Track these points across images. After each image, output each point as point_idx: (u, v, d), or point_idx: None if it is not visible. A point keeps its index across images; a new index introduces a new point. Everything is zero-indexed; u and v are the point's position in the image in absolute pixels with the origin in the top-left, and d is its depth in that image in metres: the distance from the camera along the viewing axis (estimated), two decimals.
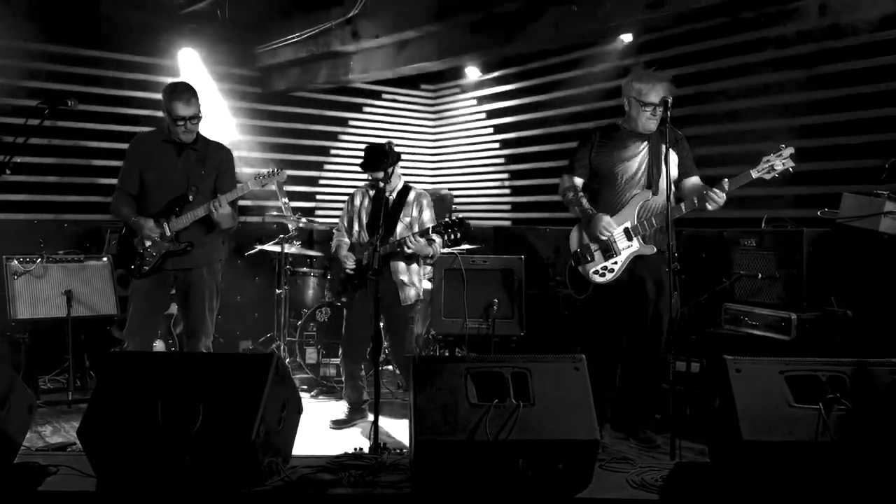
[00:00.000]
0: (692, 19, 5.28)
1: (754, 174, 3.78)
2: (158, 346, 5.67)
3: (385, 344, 5.37)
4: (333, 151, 8.14)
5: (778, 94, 5.27)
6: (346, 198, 5.05)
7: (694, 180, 4.17)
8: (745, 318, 4.44)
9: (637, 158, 4.09)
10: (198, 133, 4.27)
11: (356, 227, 4.87)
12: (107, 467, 2.84)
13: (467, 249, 6.25)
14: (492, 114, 8.04)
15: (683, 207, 3.93)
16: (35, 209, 6.34)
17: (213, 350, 4.41)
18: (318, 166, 8.09)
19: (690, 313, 4.52)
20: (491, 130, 8.07)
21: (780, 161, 3.74)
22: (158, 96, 4.27)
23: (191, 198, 4.17)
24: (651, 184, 4.08)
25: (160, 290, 4.30)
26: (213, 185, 4.29)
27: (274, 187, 4.32)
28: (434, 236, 4.54)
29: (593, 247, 4.11)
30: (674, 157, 4.03)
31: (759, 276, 4.45)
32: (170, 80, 6.76)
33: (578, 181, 4.22)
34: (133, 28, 6.57)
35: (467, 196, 8.37)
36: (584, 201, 4.15)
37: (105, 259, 5.68)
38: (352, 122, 8.28)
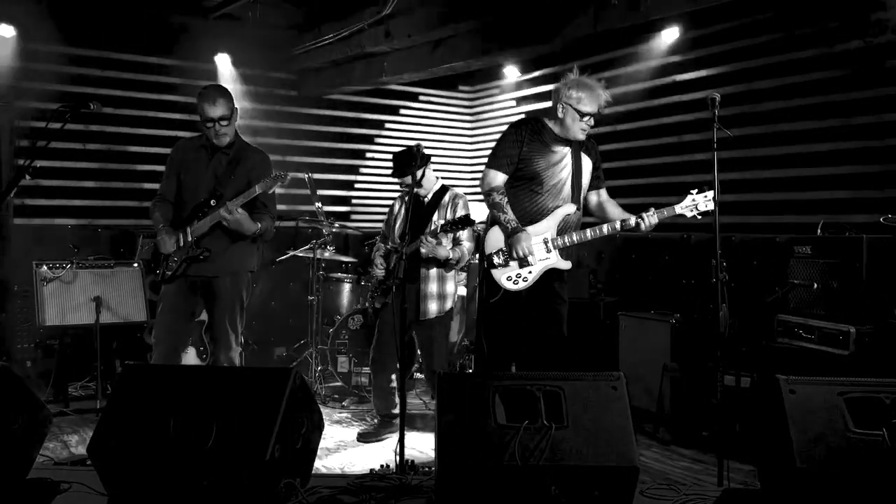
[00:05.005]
0: (737, 14, 5.03)
1: (677, 209, 3.69)
2: (191, 353, 5.62)
3: (418, 354, 5.23)
4: (369, 155, 8.01)
5: (832, 92, 4.96)
6: (381, 202, 5.03)
7: (604, 195, 4.03)
8: (800, 331, 4.20)
9: (562, 166, 3.84)
10: (236, 137, 4.18)
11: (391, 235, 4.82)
12: (117, 485, 2.73)
13: None
14: (531, 115, 7.83)
15: (606, 229, 3.75)
16: (70, 214, 6.34)
17: (240, 362, 4.28)
18: (354, 170, 7.95)
19: (740, 325, 4.29)
20: None
21: (704, 202, 3.67)
22: (195, 100, 4.17)
23: (212, 202, 4.06)
24: (574, 197, 3.85)
25: (186, 298, 4.18)
26: (245, 189, 4.13)
27: (279, 190, 4.18)
28: (441, 237, 4.50)
29: (510, 253, 3.84)
30: (588, 164, 3.90)
31: (815, 285, 4.20)
32: (206, 83, 6.79)
33: (503, 179, 3.88)
34: (169, 31, 6.55)
35: None
36: (509, 209, 3.82)
37: (136, 265, 5.63)
38: (388, 125, 8.14)
